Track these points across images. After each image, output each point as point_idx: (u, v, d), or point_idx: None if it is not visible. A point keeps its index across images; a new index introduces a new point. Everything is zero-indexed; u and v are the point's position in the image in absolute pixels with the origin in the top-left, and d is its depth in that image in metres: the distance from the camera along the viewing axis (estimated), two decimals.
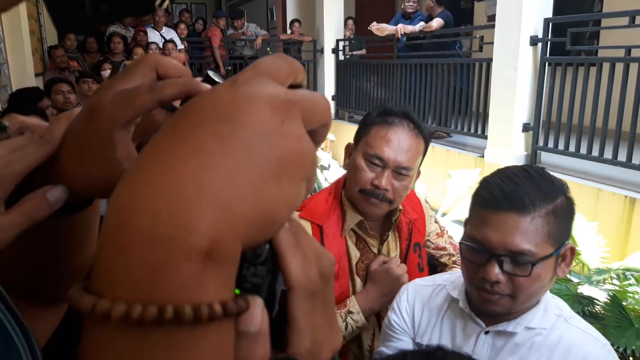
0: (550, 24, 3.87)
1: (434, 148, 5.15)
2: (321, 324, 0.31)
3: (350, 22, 7.53)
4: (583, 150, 3.70)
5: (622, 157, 3.43)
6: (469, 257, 0.92)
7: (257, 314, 0.26)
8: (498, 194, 0.87)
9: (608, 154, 3.50)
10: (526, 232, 0.84)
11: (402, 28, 5.71)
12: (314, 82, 8.02)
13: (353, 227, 1.29)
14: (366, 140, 1.24)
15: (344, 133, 6.96)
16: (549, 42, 3.89)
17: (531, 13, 3.93)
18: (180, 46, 7.03)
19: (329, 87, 7.49)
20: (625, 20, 3.33)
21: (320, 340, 0.31)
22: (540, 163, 4.12)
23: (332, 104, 7.59)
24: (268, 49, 8.24)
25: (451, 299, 1.03)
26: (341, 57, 7.36)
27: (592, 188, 3.44)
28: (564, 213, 0.88)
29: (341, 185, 1.32)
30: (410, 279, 1.27)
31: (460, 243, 0.94)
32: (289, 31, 8.07)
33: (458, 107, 4.99)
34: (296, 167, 0.25)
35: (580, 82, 3.68)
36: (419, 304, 1.06)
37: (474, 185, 3.62)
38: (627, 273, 2.25)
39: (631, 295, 2.30)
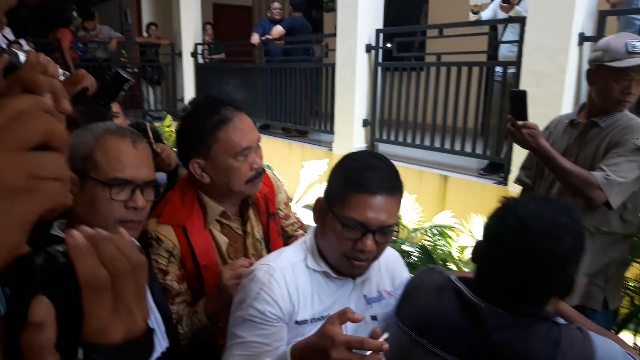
0: (381, 34, 4.56)
1: (292, 145, 5.66)
2: (110, 311, 0.38)
3: (209, 27, 7.77)
4: (409, 140, 4.44)
5: (437, 144, 4.21)
6: (348, 235, 1.02)
7: (39, 308, 0.35)
8: (372, 181, 1.01)
9: (428, 142, 4.27)
10: (392, 209, 1.04)
11: (254, 36, 6.24)
12: (173, 85, 8.10)
13: (216, 217, 1.34)
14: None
15: None
16: (380, 50, 4.57)
17: (365, 24, 4.58)
18: (27, 47, 6.66)
19: (188, 89, 7.63)
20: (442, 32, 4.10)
21: (108, 323, 0.38)
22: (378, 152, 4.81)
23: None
24: (123, 51, 8.12)
25: (313, 271, 1.11)
26: (200, 61, 7.56)
27: (416, 170, 4.17)
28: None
29: (190, 181, 1.35)
30: (272, 245, 1.42)
31: (342, 224, 1.02)
32: (145, 34, 8.04)
33: (311, 107, 5.56)
34: None
35: (405, 83, 4.42)
36: (292, 287, 1.08)
37: (324, 173, 4.14)
38: (434, 229, 2.89)
39: (440, 247, 2.95)
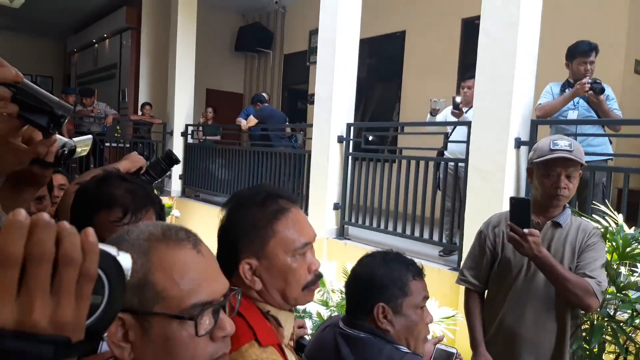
0: (352, 127, 5.05)
1: None
2: (6, 292, 0.38)
3: (210, 109, 8.34)
4: (375, 224, 4.78)
5: (399, 229, 4.55)
6: None
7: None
8: None
9: (391, 228, 4.61)
10: None
11: (242, 122, 6.97)
12: None
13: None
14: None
15: (189, 210, 7.50)
16: (351, 141, 5.04)
17: (338, 118, 5.08)
18: None
19: (177, 167, 8.02)
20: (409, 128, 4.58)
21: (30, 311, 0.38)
22: (348, 235, 5.11)
23: (179, 182, 8.14)
24: (118, 127, 8.62)
25: None
26: (190, 140, 8.04)
27: None
28: None
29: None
30: None
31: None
32: (140, 112, 8.58)
33: (293, 189, 5.95)
34: None
35: (372, 172, 4.84)
36: None
37: None
38: None
39: None
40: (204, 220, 6.58)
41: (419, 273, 1.33)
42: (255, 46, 10.07)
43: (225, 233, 1.07)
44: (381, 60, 7.93)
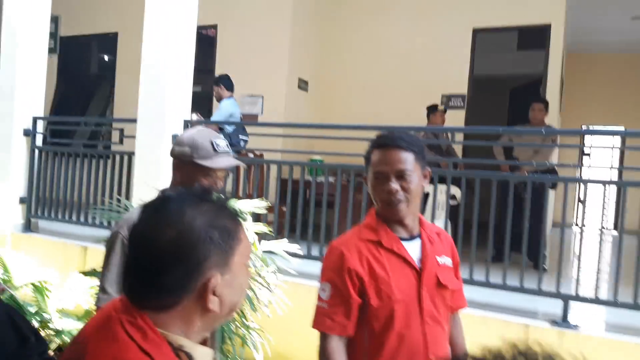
0: (37, 121, 5.07)
1: None
2: None
3: None
4: (66, 216, 4.91)
5: (89, 220, 4.80)
6: None
7: None
8: None
9: (83, 219, 4.83)
10: None
11: None
12: None
13: None
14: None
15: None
16: (37, 134, 5.06)
17: (23, 111, 5.04)
18: None
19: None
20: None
21: None
22: (38, 229, 5.11)
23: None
24: None
25: None
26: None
27: (80, 246, 4.64)
28: None
29: None
30: None
31: None
32: None
33: None
34: None
35: (64, 165, 4.98)
36: None
37: None
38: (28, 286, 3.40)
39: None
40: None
41: None
42: None
43: (169, 245, 0.83)
44: (95, 59, 8.07)
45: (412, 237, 1.53)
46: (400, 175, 1.47)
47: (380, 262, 1.47)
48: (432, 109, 5.86)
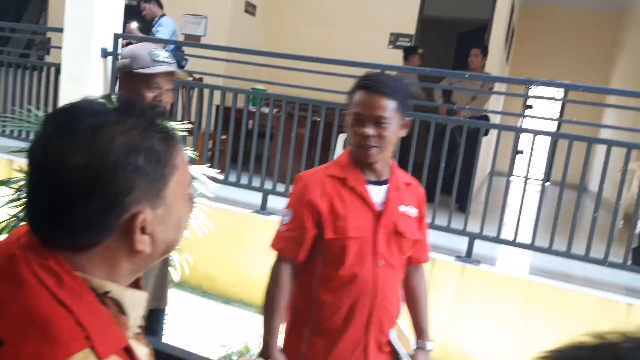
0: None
1: None
2: None
3: None
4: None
5: None
6: None
7: None
8: None
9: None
10: None
11: None
12: None
13: None
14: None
15: None
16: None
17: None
18: None
19: None
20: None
21: None
22: None
23: None
24: None
25: None
26: None
27: None
28: None
29: None
30: None
31: None
32: None
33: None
34: None
35: None
36: None
37: None
38: None
39: None
40: None
41: None
42: None
43: (77, 174, 0.64)
44: None
45: (379, 182, 1.55)
46: (378, 122, 1.46)
47: (341, 198, 1.51)
48: (411, 51, 5.65)
